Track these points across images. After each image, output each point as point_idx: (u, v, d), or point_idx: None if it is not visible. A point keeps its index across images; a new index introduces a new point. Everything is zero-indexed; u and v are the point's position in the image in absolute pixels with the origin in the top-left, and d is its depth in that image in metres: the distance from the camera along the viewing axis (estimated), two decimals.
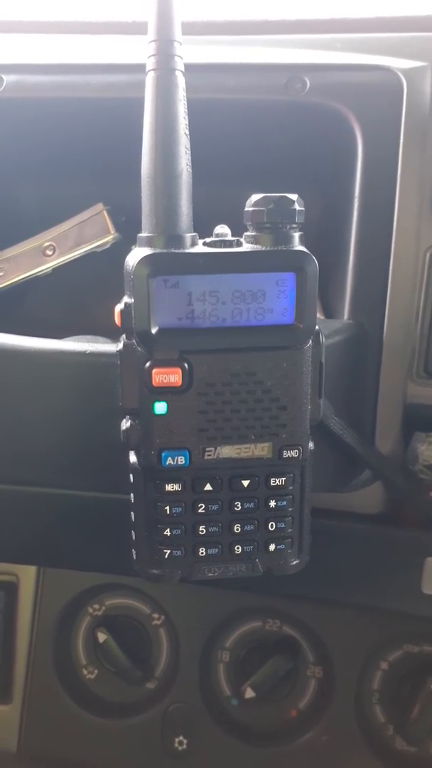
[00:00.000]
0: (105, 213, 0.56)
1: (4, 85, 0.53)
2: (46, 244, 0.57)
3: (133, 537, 0.40)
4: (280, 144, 0.52)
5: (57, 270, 0.57)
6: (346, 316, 0.48)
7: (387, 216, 0.47)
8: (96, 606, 0.61)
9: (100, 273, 0.59)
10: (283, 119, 0.50)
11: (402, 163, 0.47)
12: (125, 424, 0.38)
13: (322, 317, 0.55)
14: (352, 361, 0.46)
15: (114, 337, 0.51)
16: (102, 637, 0.59)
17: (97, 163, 0.57)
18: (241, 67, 0.50)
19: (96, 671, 0.61)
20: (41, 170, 0.59)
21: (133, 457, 0.39)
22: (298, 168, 0.52)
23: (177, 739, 0.59)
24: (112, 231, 0.56)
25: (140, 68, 0.51)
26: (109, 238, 0.56)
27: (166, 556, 0.39)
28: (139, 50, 0.52)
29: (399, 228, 0.47)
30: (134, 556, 0.41)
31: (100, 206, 0.56)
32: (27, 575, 0.61)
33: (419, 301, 0.48)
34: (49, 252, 0.57)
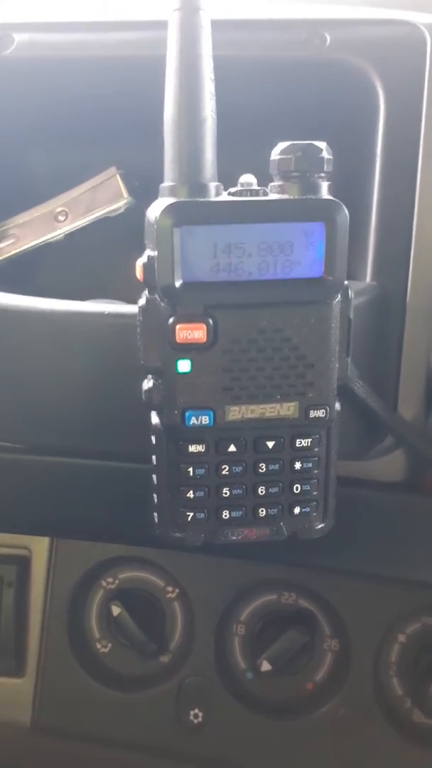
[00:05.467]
0: (118, 177, 0.55)
1: (15, 44, 0.51)
2: (59, 209, 0.56)
3: (155, 500, 0.39)
4: (299, 102, 0.51)
5: (69, 236, 0.56)
6: (368, 278, 0.47)
7: (410, 175, 0.46)
8: (110, 579, 0.60)
9: (113, 238, 0.58)
10: (303, 76, 0.49)
11: (426, 121, 0.46)
12: (147, 383, 0.37)
13: None
14: (374, 325, 0.45)
15: (129, 302, 0.51)
16: (116, 610, 0.58)
17: (110, 125, 0.56)
18: (258, 23, 0.49)
19: (110, 645, 0.60)
20: (53, 133, 0.58)
21: (155, 418, 0.38)
22: (317, 126, 0.50)
23: (192, 712, 0.59)
24: (126, 195, 0.54)
25: (155, 25, 0.50)
26: (123, 203, 0.55)
27: (189, 519, 0.38)
28: (155, 7, 0.51)
29: (422, 188, 0.46)
30: (155, 520, 0.40)
31: (113, 170, 0.55)
32: (40, 549, 0.61)
33: None
34: (61, 218, 0.56)
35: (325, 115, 0.49)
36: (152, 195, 0.37)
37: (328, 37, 0.47)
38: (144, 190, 0.55)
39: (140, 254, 0.36)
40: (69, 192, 0.56)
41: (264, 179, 0.36)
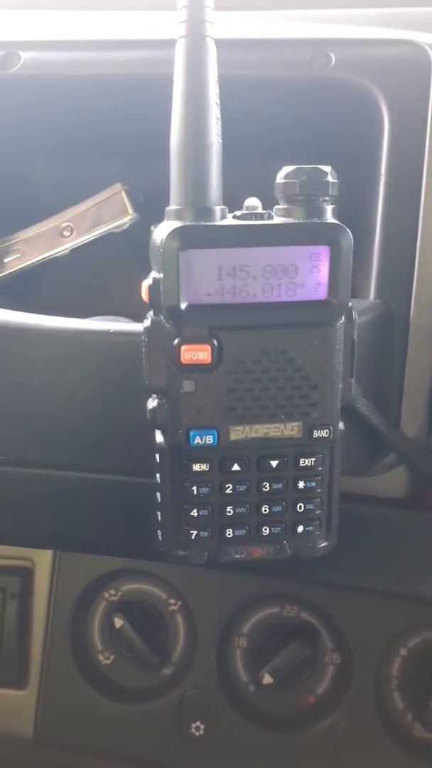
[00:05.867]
0: (123, 193, 0.55)
1: (21, 62, 0.52)
2: (64, 224, 0.56)
3: (159, 518, 0.40)
4: (304, 121, 0.51)
5: (74, 251, 0.57)
6: (372, 296, 0.47)
7: (414, 194, 0.46)
8: (112, 591, 0.60)
9: (118, 254, 0.58)
10: (307, 95, 0.49)
11: (430, 140, 0.46)
12: (152, 402, 0.38)
13: None
14: (378, 342, 0.46)
15: (133, 318, 0.51)
16: (118, 622, 0.58)
17: (115, 142, 0.56)
18: (264, 42, 0.49)
19: (112, 657, 0.60)
20: (59, 150, 0.58)
21: (159, 437, 0.38)
22: (322, 145, 0.51)
23: (194, 725, 0.59)
24: (131, 211, 0.55)
25: (161, 44, 0.50)
26: (128, 219, 0.55)
27: (193, 537, 0.39)
28: (160, 26, 0.51)
29: (426, 207, 0.46)
30: (160, 538, 0.40)
31: (118, 186, 0.55)
32: (43, 561, 0.61)
33: None
34: (66, 233, 0.56)
35: (330, 134, 0.50)
36: (157, 211, 0.37)
37: (333, 57, 0.48)
38: (149, 206, 0.56)
39: (145, 270, 0.36)
40: (74, 207, 0.56)
41: (269, 202, 0.36)
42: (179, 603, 0.59)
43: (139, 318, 0.38)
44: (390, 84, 0.47)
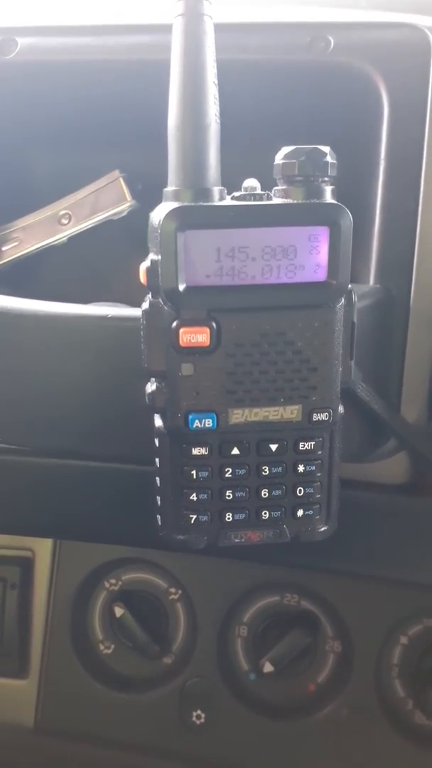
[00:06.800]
0: (121, 180, 0.55)
1: (18, 48, 0.51)
2: (62, 212, 0.56)
3: (158, 502, 0.40)
4: (303, 105, 0.51)
5: (72, 239, 0.56)
6: (371, 281, 0.47)
7: (414, 178, 0.46)
8: (112, 581, 0.60)
9: (116, 241, 0.58)
10: (306, 80, 0.49)
11: (430, 124, 0.46)
12: (150, 386, 0.37)
13: None
14: (378, 327, 0.45)
15: (131, 305, 0.51)
16: (119, 611, 0.58)
17: (113, 129, 0.56)
18: (262, 26, 0.49)
19: (113, 646, 0.60)
20: (56, 137, 0.58)
21: (158, 421, 0.38)
22: (321, 130, 0.50)
23: (195, 713, 0.59)
24: (129, 198, 0.55)
25: (160, 29, 0.50)
26: (126, 206, 0.55)
27: (192, 522, 0.38)
28: (159, 10, 0.51)
29: (426, 191, 0.46)
30: (159, 522, 0.40)
31: (116, 173, 0.55)
32: (43, 550, 0.61)
33: None
34: (64, 221, 0.56)
35: (329, 119, 0.49)
36: (155, 198, 0.37)
37: (332, 41, 0.47)
38: (147, 193, 0.55)
39: (143, 257, 0.36)
40: (72, 195, 0.56)
41: (267, 183, 0.36)
42: (180, 592, 0.59)
43: (137, 305, 0.38)
44: (389, 68, 0.46)
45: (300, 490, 0.39)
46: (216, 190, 0.35)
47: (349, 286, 0.36)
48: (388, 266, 0.46)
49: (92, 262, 0.59)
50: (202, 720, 0.59)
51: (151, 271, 0.35)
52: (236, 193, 0.35)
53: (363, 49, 0.47)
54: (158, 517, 0.40)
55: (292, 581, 0.58)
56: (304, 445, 0.38)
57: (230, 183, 0.36)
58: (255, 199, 0.34)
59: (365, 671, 0.57)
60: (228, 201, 0.35)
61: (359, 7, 0.50)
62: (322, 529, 0.40)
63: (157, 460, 0.39)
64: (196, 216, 0.34)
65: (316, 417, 0.37)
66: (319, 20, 0.48)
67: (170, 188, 0.35)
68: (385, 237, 0.46)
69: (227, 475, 0.38)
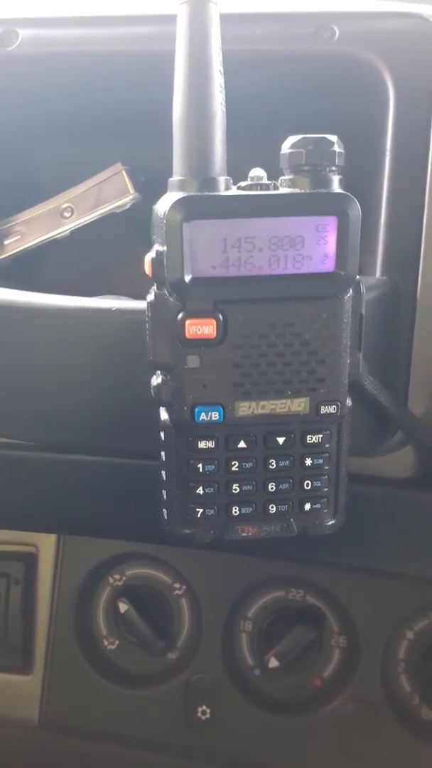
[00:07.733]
0: (124, 173, 0.54)
1: (19, 40, 0.51)
2: (64, 205, 0.55)
3: (164, 496, 0.39)
4: (308, 95, 0.50)
5: (75, 232, 0.56)
6: (378, 273, 0.46)
7: (420, 169, 0.46)
8: (117, 576, 0.60)
9: (119, 234, 0.57)
10: (311, 70, 0.48)
11: None
12: (156, 379, 0.37)
13: None
14: (385, 319, 0.45)
15: (135, 299, 0.50)
16: (123, 607, 0.58)
17: (116, 121, 0.55)
18: (267, 16, 0.48)
19: (117, 642, 0.60)
20: (58, 129, 0.57)
21: (164, 414, 0.38)
22: (326, 120, 0.50)
23: (200, 709, 0.59)
24: (132, 191, 0.54)
25: (161, 19, 0.49)
26: (129, 199, 0.54)
27: (199, 516, 0.38)
28: (161, 1, 0.50)
29: None
30: (165, 516, 0.40)
31: (119, 166, 0.55)
32: (47, 546, 0.60)
33: None
34: (67, 214, 0.55)
35: (335, 109, 0.49)
36: (158, 190, 0.36)
37: (337, 30, 0.47)
38: (150, 186, 0.55)
39: (146, 250, 0.36)
40: (75, 188, 0.55)
41: (274, 173, 0.35)
42: (184, 587, 0.59)
43: (140, 298, 0.37)
44: (395, 58, 0.46)
45: (307, 484, 0.38)
46: (222, 180, 0.34)
47: (357, 277, 0.36)
48: (394, 258, 0.46)
49: (95, 256, 0.59)
50: (207, 715, 0.59)
51: (157, 262, 0.34)
52: (242, 183, 0.35)
53: (368, 39, 0.47)
54: (164, 511, 0.40)
55: (297, 576, 0.57)
56: (312, 438, 0.38)
57: (236, 173, 0.36)
58: (261, 189, 0.34)
59: (371, 666, 0.57)
60: (234, 191, 0.34)
61: None
62: (330, 522, 0.40)
63: (162, 453, 0.38)
64: (202, 206, 0.33)
65: (323, 410, 0.37)
66: (324, 10, 0.48)
67: (175, 178, 0.35)
68: (392, 228, 0.46)
69: (234, 468, 0.38)
